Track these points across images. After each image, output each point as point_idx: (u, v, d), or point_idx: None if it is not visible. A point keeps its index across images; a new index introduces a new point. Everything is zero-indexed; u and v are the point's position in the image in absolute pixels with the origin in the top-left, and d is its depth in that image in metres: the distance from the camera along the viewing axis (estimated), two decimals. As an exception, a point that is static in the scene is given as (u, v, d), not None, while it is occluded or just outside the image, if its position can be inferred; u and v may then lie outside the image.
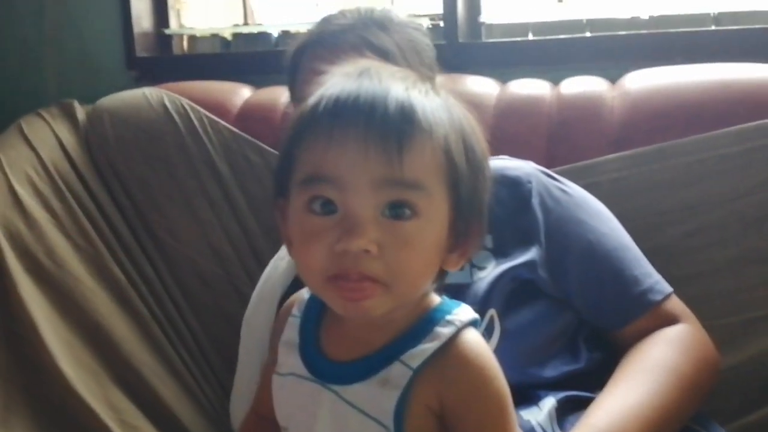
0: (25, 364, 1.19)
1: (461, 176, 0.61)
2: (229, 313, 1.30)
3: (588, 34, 1.47)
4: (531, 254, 0.89)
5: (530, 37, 1.51)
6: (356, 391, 0.60)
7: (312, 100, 0.61)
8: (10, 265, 1.25)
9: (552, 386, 0.85)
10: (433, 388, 0.60)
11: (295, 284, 1.01)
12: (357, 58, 0.86)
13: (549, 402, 0.83)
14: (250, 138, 1.36)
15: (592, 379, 0.86)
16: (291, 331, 0.67)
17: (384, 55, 0.91)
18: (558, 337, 0.89)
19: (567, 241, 0.90)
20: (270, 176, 1.32)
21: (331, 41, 0.94)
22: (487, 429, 0.61)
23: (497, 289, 0.87)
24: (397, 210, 0.58)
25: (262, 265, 1.19)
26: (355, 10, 0.98)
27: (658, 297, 0.91)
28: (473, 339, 0.62)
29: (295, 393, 0.65)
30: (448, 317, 0.62)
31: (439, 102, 0.61)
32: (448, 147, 0.60)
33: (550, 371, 0.86)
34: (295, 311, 0.68)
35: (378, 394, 0.60)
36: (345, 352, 0.62)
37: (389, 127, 0.58)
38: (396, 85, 0.60)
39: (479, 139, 0.64)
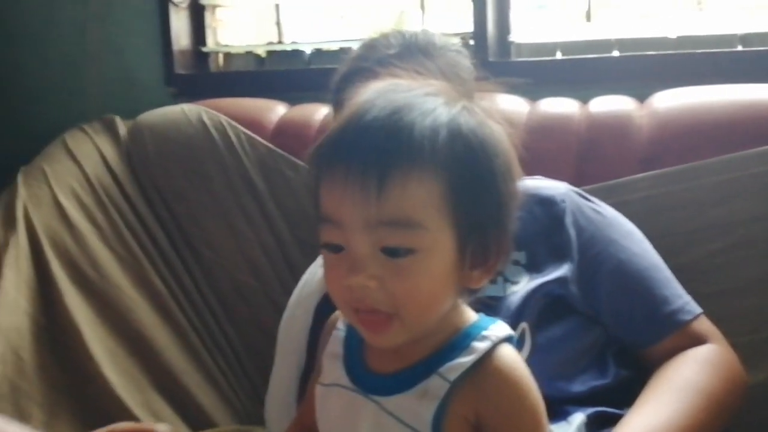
0: (70, 370, 1.24)
1: (464, 200, 0.61)
2: (264, 323, 1.34)
3: (616, 54, 1.49)
4: (563, 270, 0.92)
5: (558, 56, 1.54)
6: (397, 402, 0.63)
7: (323, 137, 0.64)
8: (56, 275, 1.31)
9: (580, 401, 0.87)
10: (470, 401, 0.62)
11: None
12: None
13: (578, 417, 0.85)
14: (285, 154, 1.40)
15: (620, 395, 0.88)
16: (335, 344, 0.70)
17: None
18: (587, 353, 0.92)
19: (599, 260, 0.93)
20: (304, 191, 1.37)
21: (375, 70, 0.95)
22: None
23: (530, 303, 0.89)
24: (391, 250, 0.60)
25: (296, 276, 1.22)
26: (399, 35, 0.99)
27: (688, 317, 0.93)
28: (509, 354, 0.64)
29: (337, 403, 0.68)
30: (484, 333, 0.64)
31: (443, 120, 0.61)
32: (445, 172, 0.60)
33: (579, 386, 0.89)
34: (340, 325, 0.72)
35: (417, 405, 0.63)
36: (386, 364, 0.65)
37: (369, 166, 0.59)
38: (395, 109, 0.61)
39: (494, 152, 0.63)
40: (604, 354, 0.92)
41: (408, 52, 0.96)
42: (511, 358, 0.64)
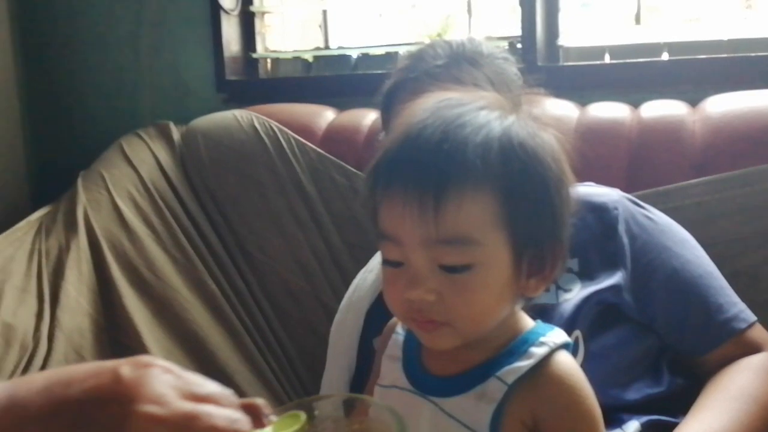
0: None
1: (519, 212, 0.63)
2: (315, 325, 1.37)
3: (666, 57, 1.48)
4: (616, 278, 0.92)
5: (607, 59, 1.53)
6: (455, 403, 0.65)
7: (378, 154, 0.65)
8: (115, 277, 1.35)
9: (634, 409, 0.88)
10: (528, 405, 0.64)
11: (382, 296, 1.06)
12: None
13: (633, 425, 0.86)
14: (335, 159, 1.42)
15: (675, 403, 0.88)
16: (394, 347, 0.73)
17: None
18: (641, 360, 0.92)
19: (652, 267, 0.93)
20: (353, 196, 1.39)
21: (423, 81, 0.97)
22: None
23: (583, 312, 0.90)
24: (449, 267, 0.62)
25: (346, 279, 1.25)
26: (446, 44, 1.00)
27: (743, 325, 0.92)
28: (566, 360, 0.66)
29: (396, 404, 0.69)
30: (542, 339, 0.66)
31: (496, 134, 0.62)
32: (498, 186, 0.62)
33: (633, 394, 0.89)
34: (399, 329, 0.74)
35: (475, 407, 0.65)
36: (445, 367, 0.67)
37: (424, 187, 0.61)
38: (447, 128, 0.62)
39: (548, 162, 0.64)
40: (659, 362, 0.92)
41: (455, 63, 0.97)
42: (569, 364, 0.66)
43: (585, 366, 0.87)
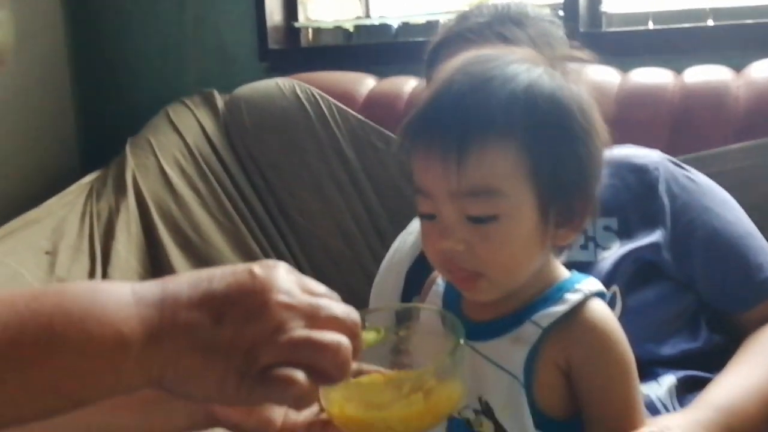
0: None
1: (545, 163, 0.63)
2: (354, 289, 1.39)
3: (711, 23, 1.46)
4: (655, 237, 0.92)
5: (650, 26, 1.52)
6: (491, 346, 0.67)
7: (411, 112, 0.67)
8: (162, 237, 1.40)
9: (670, 364, 0.89)
10: (561, 348, 0.66)
11: (422, 257, 1.08)
12: None
13: (669, 379, 0.87)
14: (375, 125, 1.44)
15: (711, 360, 0.89)
16: (435, 298, 0.75)
17: None
18: (679, 317, 0.92)
19: (692, 226, 0.93)
20: (393, 162, 1.41)
21: (467, 39, 0.98)
22: (610, 390, 0.66)
23: (621, 268, 0.91)
24: (475, 218, 0.64)
25: (385, 244, 1.27)
26: (492, 5, 1.01)
27: (782, 284, 0.92)
28: (599, 306, 0.67)
29: (434, 349, 0.72)
30: (577, 286, 0.68)
31: (523, 85, 0.63)
32: (524, 137, 0.63)
33: (669, 349, 0.90)
34: (439, 281, 0.76)
35: (510, 349, 0.67)
36: (482, 314, 0.69)
37: (448, 140, 0.63)
38: (473, 82, 0.63)
39: (577, 112, 0.64)
40: (697, 319, 0.93)
41: (499, 21, 0.98)
42: (602, 310, 0.67)
43: (621, 321, 0.88)
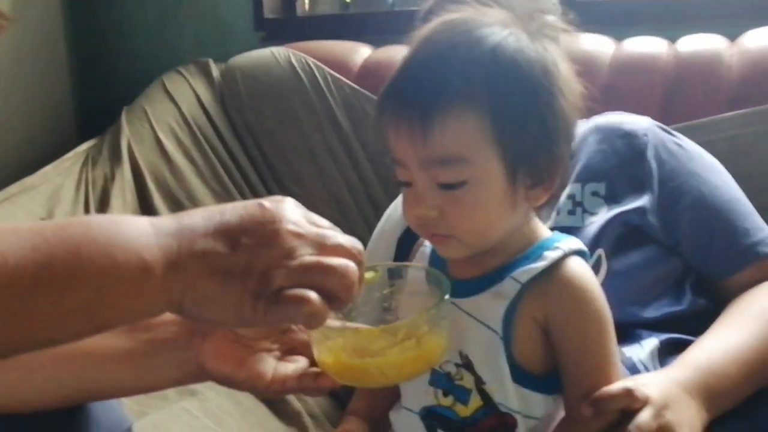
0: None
1: (512, 127, 0.65)
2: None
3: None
4: (642, 201, 0.93)
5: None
6: (472, 302, 0.69)
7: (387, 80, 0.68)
8: (157, 206, 1.41)
9: (653, 326, 0.90)
10: (539, 303, 0.68)
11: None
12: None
13: (652, 342, 0.88)
14: (369, 94, 1.44)
15: (694, 323, 0.89)
16: (421, 258, 0.77)
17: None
18: (663, 280, 0.93)
19: (680, 192, 0.93)
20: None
21: (456, 3, 0.98)
22: (586, 346, 0.68)
23: (606, 231, 0.92)
24: (445, 184, 0.66)
25: (378, 213, 1.27)
26: None
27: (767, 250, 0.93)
28: (578, 264, 0.69)
29: (419, 306, 0.73)
30: (557, 244, 0.70)
31: (487, 49, 0.64)
32: (487, 101, 0.64)
33: (652, 312, 0.90)
34: (426, 243, 0.77)
35: (490, 304, 0.69)
36: (466, 272, 0.71)
37: (413, 111, 0.64)
38: (437, 49, 0.65)
39: (543, 71, 0.65)
40: (682, 283, 0.94)
41: None
42: (580, 267, 0.69)
43: (607, 284, 0.90)
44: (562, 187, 0.71)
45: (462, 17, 0.69)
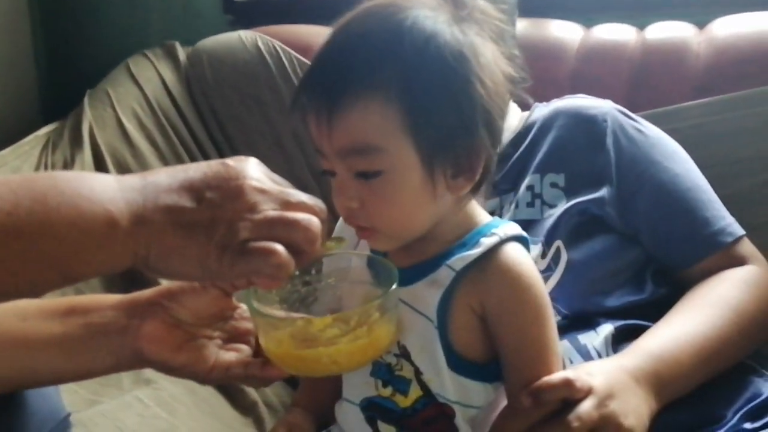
0: (128, 281, 1.31)
1: (426, 116, 0.63)
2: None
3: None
4: (601, 192, 0.91)
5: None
6: (410, 291, 0.68)
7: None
8: (118, 191, 1.38)
9: (614, 315, 0.88)
10: (475, 291, 0.66)
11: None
12: None
13: (606, 328, 0.86)
14: (337, 79, 1.42)
15: (655, 311, 0.88)
16: (364, 247, 0.75)
17: None
18: (624, 270, 0.91)
19: (639, 181, 0.92)
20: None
21: None
22: (524, 334, 0.66)
23: (564, 221, 0.90)
24: (361, 173, 0.64)
25: (345, 200, 1.26)
26: None
27: (728, 239, 0.91)
28: (514, 250, 0.67)
29: (360, 296, 0.71)
30: (494, 230, 0.68)
31: (398, 36, 0.62)
32: (397, 90, 0.62)
33: (613, 301, 0.89)
34: None
35: (426, 293, 0.67)
36: (405, 260, 0.70)
37: (321, 102, 0.63)
38: (348, 39, 0.63)
39: (459, 57, 0.63)
40: (643, 272, 0.92)
41: None
42: (516, 253, 0.67)
43: (566, 274, 0.89)
44: (487, 175, 0.68)
45: (386, 2, 0.66)
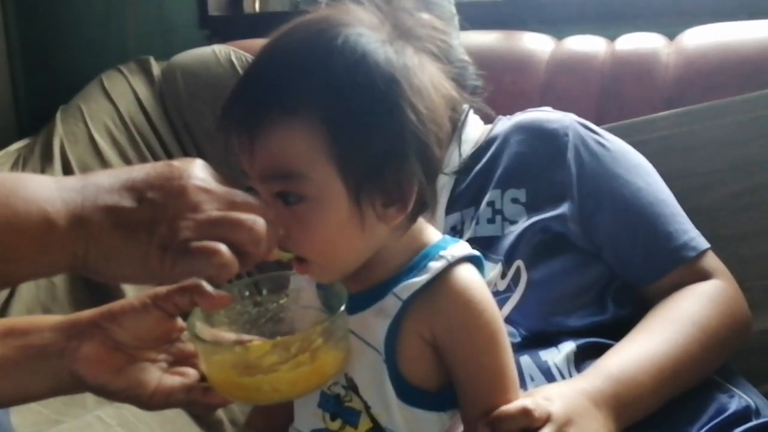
0: (96, 294, 1.30)
1: (348, 143, 0.59)
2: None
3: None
4: (562, 209, 0.89)
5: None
6: (356, 319, 0.64)
7: None
8: (88, 207, 1.37)
9: (576, 334, 0.87)
10: (424, 319, 0.63)
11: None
12: None
13: (568, 346, 0.85)
14: (309, 93, 1.41)
15: (617, 330, 0.86)
16: None
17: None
18: (586, 290, 0.90)
19: (601, 196, 0.90)
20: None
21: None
22: (477, 361, 0.63)
23: (525, 239, 0.88)
24: (283, 197, 0.60)
25: (318, 215, 1.25)
26: None
27: (692, 254, 0.90)
28: (464, 273, 0.64)
29: (310, 323, 0.68)
30: (442, 252, 0.64)
31: (325, 58, 0.58)
32: (322, 115, 0.58)
33: (575, 321, 0.87)
34: None
35: (373, 323, 0.64)
36: (352, 285, 0.66)
37: (242, 124, 0.60)
38: (273, 58, 0.60)
39: (390, 79, 0.59)
40: (604, 293, 0.90)
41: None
42: (466, 277, 0.64)
43: (527, 294, 0.87)
44: (423, 205, 0.64)
45: (320, 16, 0.63)
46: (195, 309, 0.65)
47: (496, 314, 0.65)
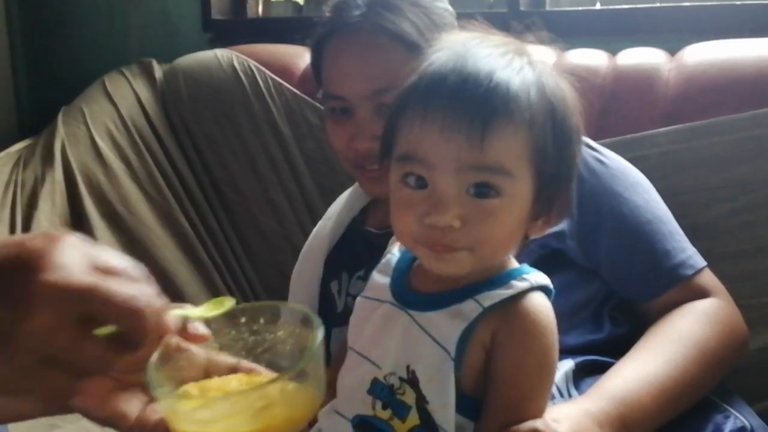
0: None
1: (547, 154, 0.66)
2: (284, 266, 1.37)
3: (658, 5, 1.43)
4: (561, 225, 0.89)
5: (598, 6, 1.49)
6: (430, 317, 0.67)
7: (413, 77, 0.67)
8: (88, 209, 1.37)
9: (573, 352, 0.87)
10: (493, 328, 0.66)
11: (340, 244, 1.06)
12: (375, 46, 0.91)
13: (567, 364, 0.85)
14: (309, 99, 1.41)
15: (615, 348, 0.86)
16: (387, 265, 0.74)
17: (399, 39, 0.92)
18: (584, 307, 0.90)
19: (599, 214, 0.90)
20: (326, 137, 1.38)
21: (348, 31, 0.94)
22: (517, 377, 0.65)
23: (523, 256, 0.88)
24: (481, 189, 0.64)
25: (315, 221, 1.24)
26: None
27: (689, 272, 0.90)
28: (540, 299, 0.68)
29: (375, 313, 0.71)
30: (525, 275, 0.68)
31: (531, 78, 0.66)
32: (534, 127, 0.65)
33: (572, 339, 0.87)
34: (395, 250, 0.75)
35: (448, 323, 0.66)
36: (428, 286, 0.69)
37: (474, 114, 0.63)
38: (490, 64, 0.65)
39: (570, 111, 0.68)
40: (601, 310, 0.91)
41: (374, 12, 0.94)
42: (541, 303, 0.67)
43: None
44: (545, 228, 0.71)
45: (482, 37, 0.69)
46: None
47: (554, 347, 0.67)
